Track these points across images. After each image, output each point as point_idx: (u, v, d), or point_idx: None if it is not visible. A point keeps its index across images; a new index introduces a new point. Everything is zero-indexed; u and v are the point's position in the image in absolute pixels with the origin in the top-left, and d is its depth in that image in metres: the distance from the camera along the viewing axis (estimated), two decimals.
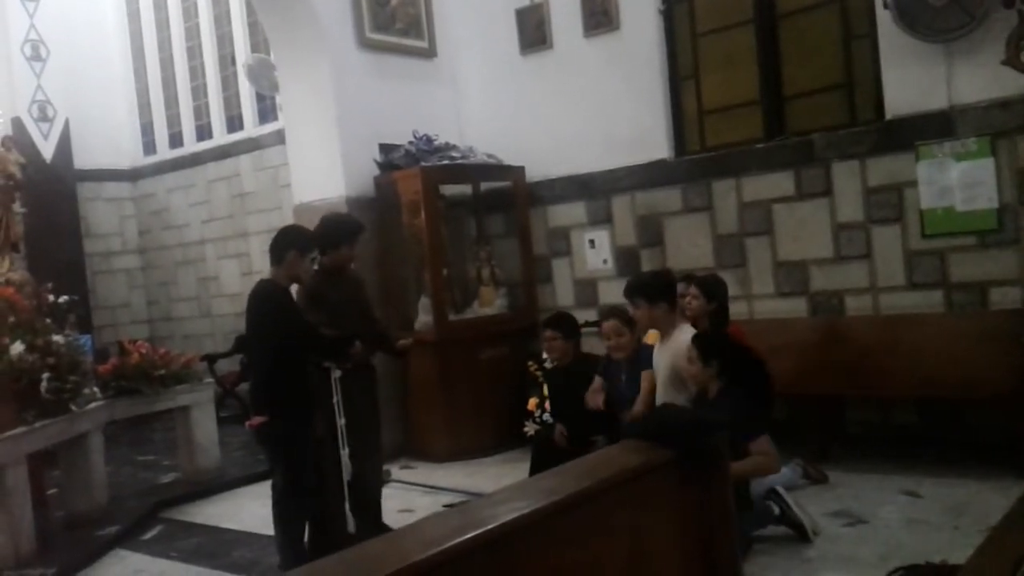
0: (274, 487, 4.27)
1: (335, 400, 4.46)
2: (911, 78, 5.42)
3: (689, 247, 6.40)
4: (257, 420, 4.14)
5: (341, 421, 4.47)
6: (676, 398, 4.16)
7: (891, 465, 5.11)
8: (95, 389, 5.95)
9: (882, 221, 5.60)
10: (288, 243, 4.27)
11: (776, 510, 4.20)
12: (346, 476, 4.50)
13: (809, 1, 6.04)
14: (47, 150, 9.63)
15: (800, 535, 4.15)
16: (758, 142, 6.20)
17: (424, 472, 6.34)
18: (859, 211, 5.69)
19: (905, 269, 5.53)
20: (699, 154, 6.51)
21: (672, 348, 4.27)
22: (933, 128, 5.34)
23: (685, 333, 4.26)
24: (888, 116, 5.56)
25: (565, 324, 5.40)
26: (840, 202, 5.77)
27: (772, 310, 6.04)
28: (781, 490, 4.27)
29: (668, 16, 6.66)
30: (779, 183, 6.01)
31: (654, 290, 4.34)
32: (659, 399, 4.29)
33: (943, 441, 5.35)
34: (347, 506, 4.50)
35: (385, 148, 7.04)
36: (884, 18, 5.41)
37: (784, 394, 5.25)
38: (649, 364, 4.58)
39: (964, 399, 5.13)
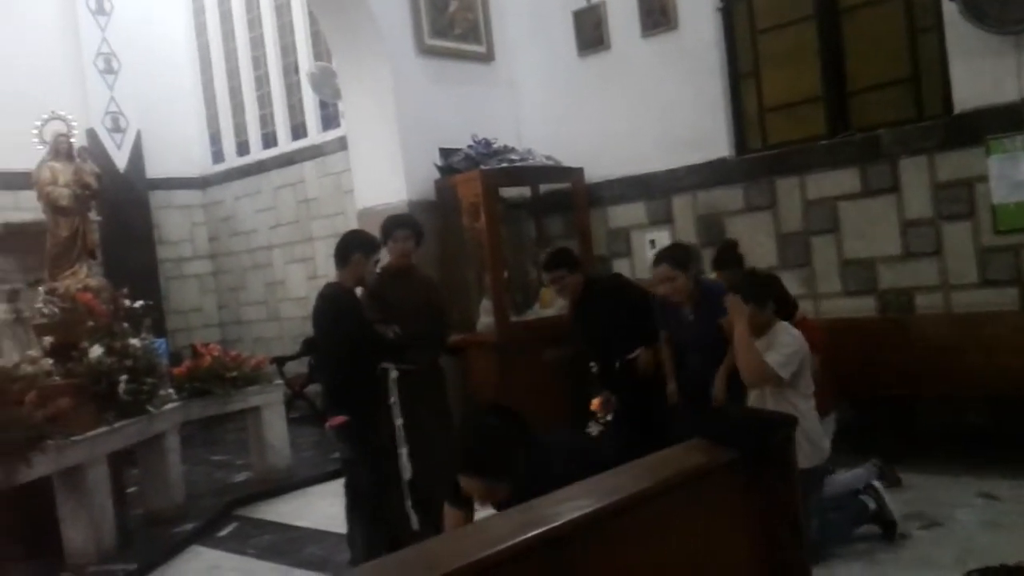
0: (349, 486, 4.35)
1: (391, 401, 4.55)
2: (980, 71, 5.29)
3: (752, 246, 6.32)
4: (338, 420, 4.21)
5: (398, 422, 4.56)
6: (769, 398, 3.98)
7: (965, 467, 5.00)
8: (170, 391, 6.15)
9: (952, 217, 5.47)
10: (354, 246, 4.37)
11: (872, 505, 4.11)
12: (405, 476, 4.59)
13: None
14: (120, 160, 9.99)
15: (888, 535, 4.08)
16: (821, 139, 6.11)
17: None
18: (928, 207, 5.58)
19: (977, 266, 5.40)
20: (761, 152, 6.44)
21: (770, 345, 4.06)
22: (1003, 121, 5.20)
23: (783, 332, 4.11)
24: (956, 110, 5.44)
25: (568, 257, 5.27)
26: (908, 198, 5.66)
27: (839, 309, 5.95)
28: (878, 485, 4.19)
29: (727, 14, 6.60)
30: (844, 180, 5.92)
31: (761, 293, 4.15)
32: (755, 401, 4.08)
33: (1018, 442, 5.20)
34: (408, 504, 4.59)
35: (445, 152, 7.12)
36: (950, 10, 5.29)
37: (853, 395, 5.20)
38: (716, 304, 4.39)
39: None
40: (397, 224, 4.92)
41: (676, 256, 4.74)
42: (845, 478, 4.32)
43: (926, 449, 5.36)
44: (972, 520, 4.24)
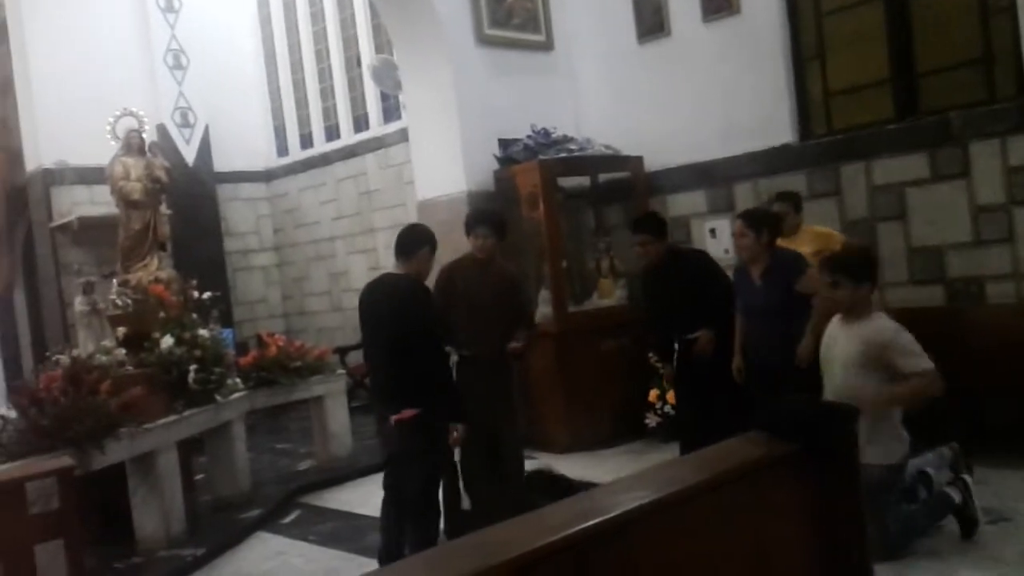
0: (413, 477, 4.19)
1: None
2: None
3: None
4: (409, 412, 4.08)
5: None
6: (865, 380, 3.95)
7: None
8: (237, 380, 6.30)
9: None
10: (423, 240, 4.34)
11: (957, 499, 4.00)
12: (457, 457, 4.70)
13: None
14: (189, 154, 10.23)
15: (967, 532, 3.98)
16: (889, 123, 5.95)
17: (546, 463, 6.40)
18: (1000, 193, 5.39)
19: None
20: (825, 137, 6.31)
21: (868, 330, 4.00)
22: None
23: (881, 320, 4.05)
24: None
25: (655, 224, 5.29)
26: (979, 183, 5.48)
27: (905, 299, 5.79)
28: (968, 479, 4.09)
29: None
30: (912, 165, 5.76)
31: (860, 270, 4.09)
32: (841, 381, 4.04)
33: None
34: (460, 485, 4.72)
35: (504, 143, 7.13)
36: None
37: None
38: (785, 271, 4.58)
39: None
40: (478, 221, 4.96)
41: (753, 215, 4.93)
42: (915, 462, 4.22)
43: (995, 442, 5.18)
44: None
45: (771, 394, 4.05)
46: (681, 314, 5.18)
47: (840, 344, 4.10)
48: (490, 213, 5.23)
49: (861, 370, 3.98)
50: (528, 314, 5.21)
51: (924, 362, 3.90)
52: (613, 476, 5.07)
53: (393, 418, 4.11)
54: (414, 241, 4.32)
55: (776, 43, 6.47)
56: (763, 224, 4.81)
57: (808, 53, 6.46)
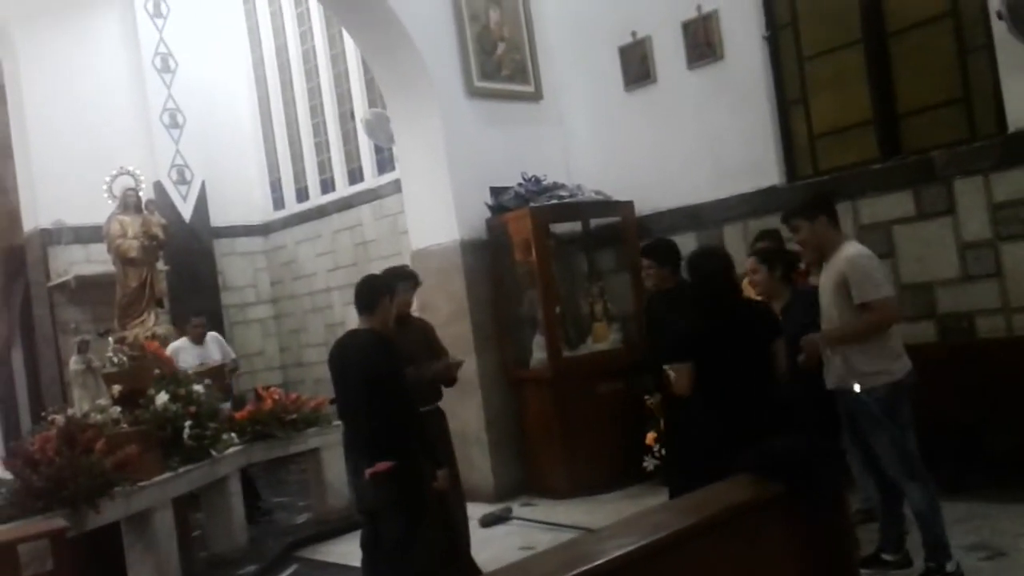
0: (390, 528, 4.14)
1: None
2: None
3: None
4: (384, 465, 4.04)
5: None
6: (839, 310, 4.05)
7: None
8: (232, 435, 6.29)
9: (1011, 238, 5.33)
10: (381, 291, 4.35)
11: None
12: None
13: (919, 17, 5.86)
14: (186, 211, 10.35)
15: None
16: (874, 163, 6.03)
17: (544, 509, 6.38)
18: (986, 228, 5.45)
19: None
20: (812, 178, 6.38)
21: (836, 260, 4.11)
22: None
23: (851, 247, 4.15)
24: (1011, 129, 5.32)
25: (660, 250, 5.21)
26: (965, 220, 5.54)
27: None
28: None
29: (773, 42, 6.59)
30: (898, 203, 5.82)
31: (810, 207, 4.26)
32: (825, 313, 4.17)
33: None
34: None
35: (496, 191, 7.22)
36: (1000, 29, 5.20)
37: (915, 422, 5.05)
38: (802, 308, 4.47)
39: None
40: (399, 277, 4.89)
41: (765, 251, 4.94)
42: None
43: (991, 477, 5.17)
44: None
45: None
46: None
47: (822, 282, 4.22)
48: (402, 268, 5.28)
49: (835, 299, 4.06)
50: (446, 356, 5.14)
51: (874, 292, 3.94)
52: (612, 520, 5.07)
53: (368, 472, 4.07)
54: (373, 293, 4.32)
55: (760, 87, 6.58)
56: (776, 259, 4.81)
57: (792, 97, 6.57)
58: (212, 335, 7.55)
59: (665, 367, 4.51)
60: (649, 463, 6.43)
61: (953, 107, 5.78)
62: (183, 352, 7.16)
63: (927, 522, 3.89)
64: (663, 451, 6.26)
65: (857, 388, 3.96)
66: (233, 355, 7.35)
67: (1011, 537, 4.28)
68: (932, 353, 5.50)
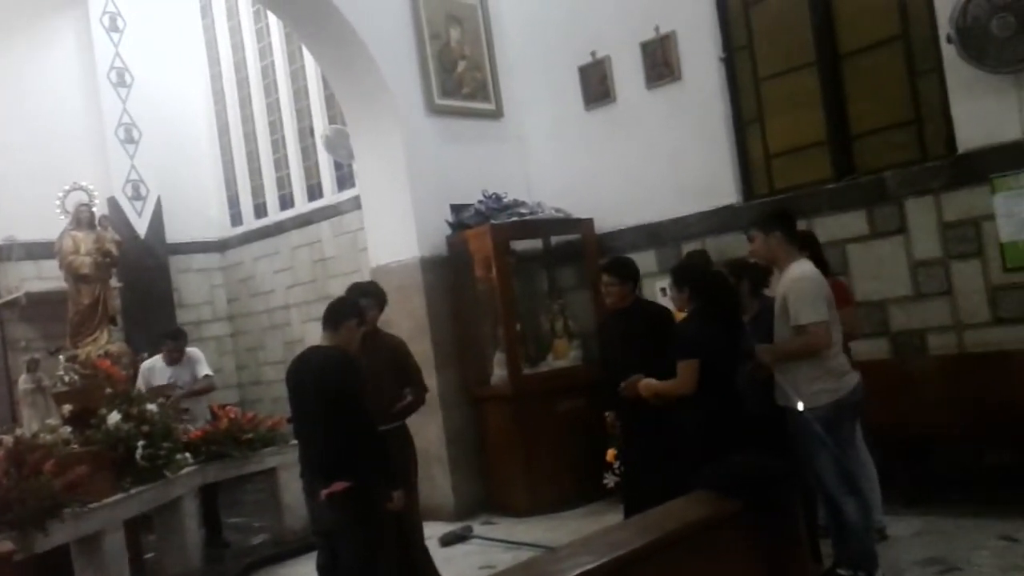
0: (348, 550, 4.06)
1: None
2: (981, 111, 5.32)
3: None
4: (340, 485, 3.96)
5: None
6: (784, 327, 4.14)
7: (984, 509, 4.91)
8: (187, 455, 6.17)
9: (961, 256, 5.46)
10: (350, 313, 4.32)
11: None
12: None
13: (871, 40, 6.00)
14: (141, 227, 10.19)
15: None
16: (828, 183, 6.14)
17: (505, 527, 6.35)
18: (937, 247, 5.57)
19: (989, 304, 5.36)
20: (768, 197, 6.47)
21: (784, 279, 4.22)
22: (1008, 160, 5.21)
23: (796, 268, 4.21)
24: (960, 150, 5.46)
25: (621, 267, 5.13)
26: (916, 239, 5.65)
27: (852, 352, 5.89)
28: None
29: (729, 63, 6.69)
30: (852, 223, 5.93)
31: (768, 221, 4.37)
32: (775, 329, 4.24)
33: None
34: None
35: (456, 208, 7.21)
36: (949, 52, 5.33)
37: (872, 437, 5.13)
38: (768, 323, 4.43)
39: None
40: (361, 294, 4.82)
41: (731, 263, 5.06)
42: None
43: (944, 491, 5.27)
44: (991, 564, 4.15)
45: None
46: (628, 362, 5.11)
47: (776, 297, 4.29)
48: (368, 284, 5.20)
49: (782, 317, 4.14)
50: (417, 378, 5.10)
51: (806, 316, 4.03)
52: (573, 538, 5.06)
53: (324, 492, 3.99)
54: (342, 313, 4.28)
55: (717, 108, 6.67)
56: (743, 272, 4.80)
57: (748, 117, 6.67)
58: (192, 352, 7.15)
59: (622, 384, 4.57)
60: (610, 480, 6.43)
61: (904, 128, 5.91)
62: (155, 372, 6.87)
63: (860, 534, 3.98)
64: (620, 468, 6.28)
65: (801, 406, 4.01)
66: (207, 372, 7.03)
67: (965, 551, 4.34)
68: (886, 369, 5.61)
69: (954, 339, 5.50)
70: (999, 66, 5.14)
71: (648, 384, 4.25)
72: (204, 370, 7.03)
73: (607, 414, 6.66)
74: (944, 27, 5.30)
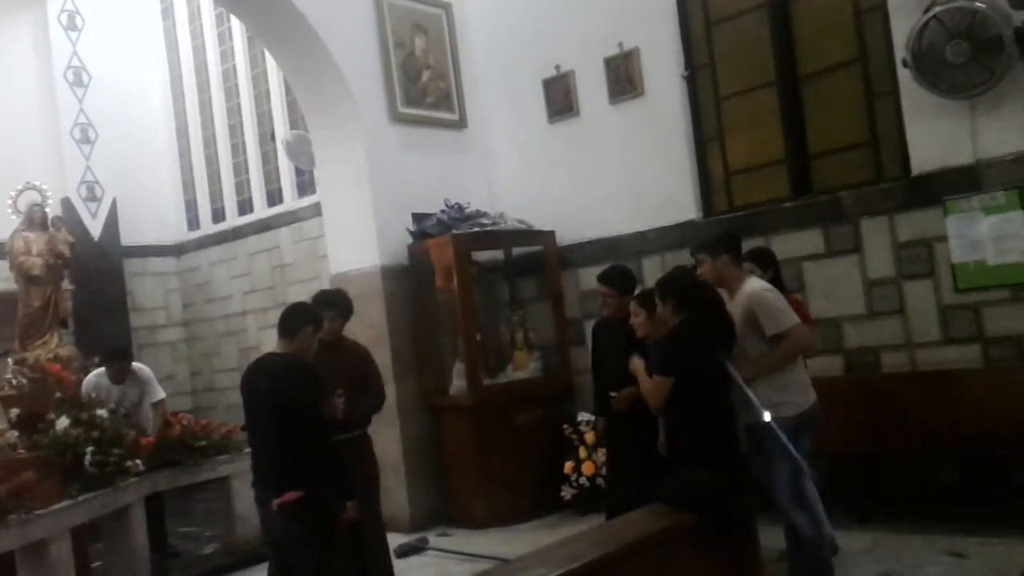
0: (302, 563, 3.99)
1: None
2: (936, 134, 5.44)
3: None
4: (292, 495, 3.88)
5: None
6: (750, 343, 4.15)
7: (934, 525, 4.99)
8: (137, 461, 6.05)
9: (914, 276, 5.57)
10: (306, 319, 4.26)
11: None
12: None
13: (830, 62, 6.12)
14: (95, 228, 10.01)
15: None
16: (785, 201, 6.23)
17: (461, 539, 6.32)
18: (890, 267, 5.67)
19: (940, 324, 5.47)
20: (727, 214, 6.55)
21: (741, 296, 4.25)
22: (960, 183, 5.33)
23: (751, 284, 4.28)
24: (914, 172, 5.58)
25: (618, 280, 5.18)
26: (871, 258, 5.76)
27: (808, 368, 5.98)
28: None
29: (691, 81, 6.77)
30: (808, 241, 6.02)
31: (714, 245, 4.44)
32: (738, 348, 4.19)
33: (988, 500, 5.21)
34: None
35: (418, 217, 7.19)
36: (905, 76, 5.45)
37: (822, 454, 5.20)
38: None
39: (1011, 456, 4.99)
40: (324, 305, 4.76)
41: (644, 297, 4.87)
42: None
43: (894, 508, 5.36)
44: None
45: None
46: (619, 371, 5.13)
47: (734, 314, 4.29)
48: (334, 293, 5.13)
49: (745, 332, 4.16)
50: (377, 388, 5.05)
51: (784, 320, 4.12)
52: (529, 551, 5.05)
53: (276, 502, 3.91)
54: (297, 320, 4.22)
55: (679, 124, 6.74)
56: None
57: (709, 134, 6.75)
58: (141, 371, 6.74)
59: (613, 394, 4.61)
60: (567, 492, 6.44)
61: (861, 150, 6.02)
62: (100, 391, 6.39)
63: (813, 546, 4.03)
64: (586, 481, 6.32)
65: (768, 416, 4.06)
66: (160, 396, 6.71)
67: (914, 567, 4.41)
68: (839, 386, 5.69)
69: (906, 358, 5.61)
70: (953, 91, 5.27)
71: (636, 366, 4.25)
72: (157, 394, 6.70)
73: (565, 425, 6.69)
74: (901, 51, 5.41)
